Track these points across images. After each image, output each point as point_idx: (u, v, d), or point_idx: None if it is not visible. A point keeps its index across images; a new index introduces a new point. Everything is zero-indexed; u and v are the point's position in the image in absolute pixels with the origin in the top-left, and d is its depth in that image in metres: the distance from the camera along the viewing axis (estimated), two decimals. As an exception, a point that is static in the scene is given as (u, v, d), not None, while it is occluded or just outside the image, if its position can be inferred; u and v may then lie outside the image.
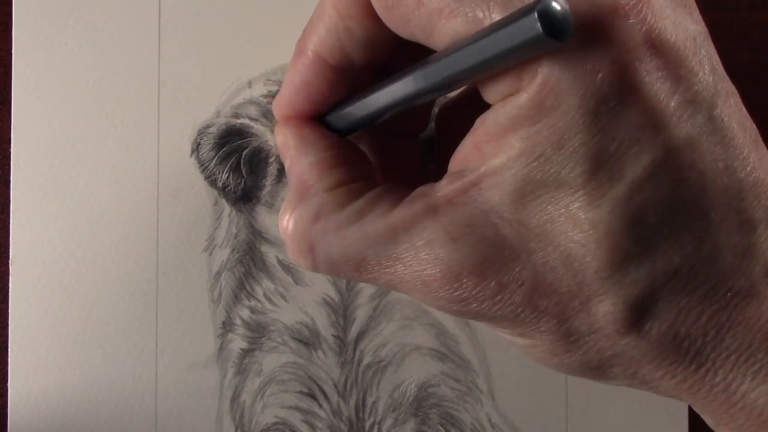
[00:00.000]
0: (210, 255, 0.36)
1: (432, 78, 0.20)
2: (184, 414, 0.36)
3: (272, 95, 0.37)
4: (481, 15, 0.18)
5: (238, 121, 0.36)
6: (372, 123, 0.23)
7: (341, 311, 0.36)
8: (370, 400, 0.36)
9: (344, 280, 0.36)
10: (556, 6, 0.16)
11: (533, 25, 0.16)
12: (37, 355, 0.35)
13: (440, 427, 0.36)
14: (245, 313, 0.36)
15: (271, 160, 0.36)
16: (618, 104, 0.18)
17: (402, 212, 0.21)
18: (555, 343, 0.20)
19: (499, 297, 0.20)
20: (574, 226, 0.19)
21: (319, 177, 0.23)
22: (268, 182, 0.36)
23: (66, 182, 0.36)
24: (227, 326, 0.36)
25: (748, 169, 0.19)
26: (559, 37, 0.16)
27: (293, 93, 0.24)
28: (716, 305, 0.19)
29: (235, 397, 0.36)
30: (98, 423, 0.36)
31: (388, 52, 0.23)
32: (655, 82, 0.18)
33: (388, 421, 0.36)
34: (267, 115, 0.36)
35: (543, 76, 0.18)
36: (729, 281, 0.19)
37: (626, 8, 0.18)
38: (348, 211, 0.22)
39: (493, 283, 0.20)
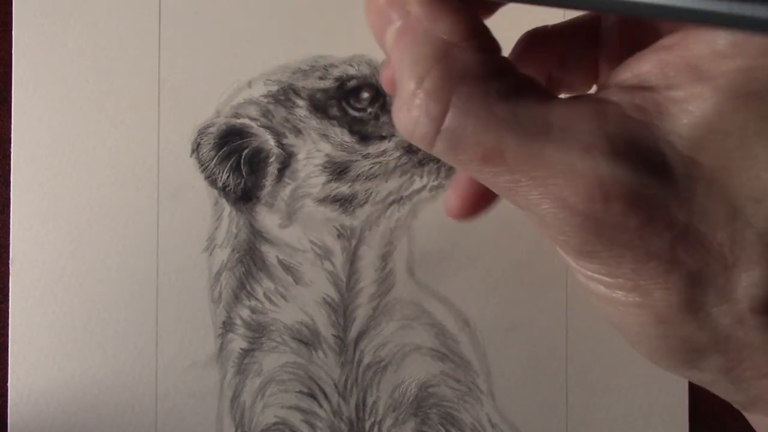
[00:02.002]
0: (210, 255, 0.36)
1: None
2: (184, 414, 0.36)
3: (272, 95, 0.37)
4: None
5: (238, 121, 0.36)
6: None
7: (341, 311, 0.36)
8: (370, 400, 0.36)
9: (345, 280, 0.36)
10: None
11: None
12: (37, 355, 0.35)
13: (440, 427, 0.36)
14: (245, 313, 0.36)
15: (271, 160, 0.36)
16: None
17: (563, 106, 0.18)
18: (671, 307, 0.18)
19: (641, 233, 0.17)
20: (756, 179, 0.17)
21: (464, 33, 0.19)
22: (268, 182, 0.36)
23: (66, 182, 0.36)
24: (227, 326, 0.36)
25: None
26: None
27: None
28: None
29: (235, 397, 0.36)
30: (98, 423, 0.36)
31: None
32: None
33: (388, 421, 0.36)
34: (267, 115, 0.36)
35: None
36: None
37: None
38: (500, 82, 0.18)
39: (641, 216, 0.17)
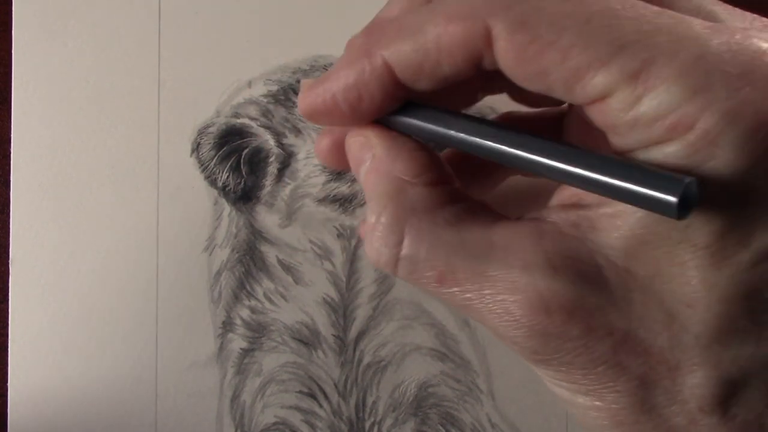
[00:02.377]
0: (210, 255, 0.36)
1: (562, 165, 0.18)
2: (184, 414, 0.36)
3: (272, 95, 0.37)
4: (638, 66, 0.17)
5: (238, 120, 0.36)
6: (451, 145, 0.22)
7: (341, 311, 0.36)
8: (370, 400, 0.36)
9: (344, 280, 0.36)
10: (694, 191, 0.16)
11: (671, 202, 0.16)
12: (37, 355, 0.35)
13: (440, 427, 0.36)
14: (245, 313, 0.36)
15: (271, 160, 0.36)
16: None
17: (504, 229, 0.20)
18: (625, 409, 0.19)
19: (584, 341, 0.18)
20: (686, 285, 0.18)
21: (417, 171, 0.21)
22: (268, 182, 0.36)
23: (66, 182, 0.36)
24: (227, 326, 0.36)
25: None
26: (681, 214, 0.16)
27: (340, 89, 0.21)
28: None
29: (235, 397, 0.36)
30: (98, 423, 0.36)
31: (452, 86, 0.22)
32: None
33: (388, 421, 0.36)
34: (267, 114, 0.36)
35: (702, 130, 0.17)
36: None
37: None
38: (446, 212, 0.21)
39: (581, 325, 0.18)
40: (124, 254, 0.36)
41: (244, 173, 0.36)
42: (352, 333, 0.36)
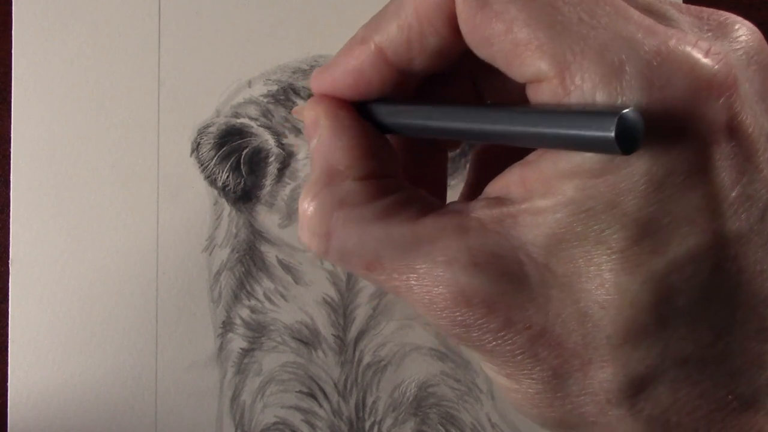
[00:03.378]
0: (210, 255, 0.36)
1: (496, 126, 0.19)
2: (184, 413, 0.36)
3: (272, 95, 0.37)
4: (569, 57, 0.17)
5: (238, 120, 0.36)
6: (413, 134, 0.23)
7: (341, 311, 0.36)
8: (370, 400, 0.36)
9: (344, 280, 0.36)
10: (636, 120, 0.16)
11: (608, 132, 0.16)
12: (37, 355, 0.35)
13: (440, 427, 0.36)
14: (245, 313, 0.36)
15: (271, 159, 0.36)
16: (685, 180, 0.17)
17: (430, 223, 0.21)
18: (540, 394, 0.20)
19: (503, 333, 0.19)
20: (600, 287, 0.18)
21: (350, 163, 0.22)
22: (268, 182, 0.36)
23: (66, 182, 0.36)
24: (227, 326, 0.36)
25: None
26: (625, 149, 0.16)
27: (341, 75, 0.23)
28: (714, 405, 0.19)
29: (235, 397, 0.36)
30: (98, 423, 0.36)
31: (449, 65, 0.22)
32: (724, 168, 0.18)
33: (388, 421, 0.36)
34: (267, 114, 0.36)
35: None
36: (732, 384, 0.19)
37: (717, 90, 0.17)
38: (375, 206, 0.21)
39: (501, 318, 0.19)
40: (124, 254, 0.36)
41: (244, 173, 0.36)
42: (352, 333, 0.36)
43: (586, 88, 0.17)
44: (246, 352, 0.36)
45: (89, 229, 0.36)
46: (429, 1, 0.20)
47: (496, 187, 0.21)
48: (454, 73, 0.24)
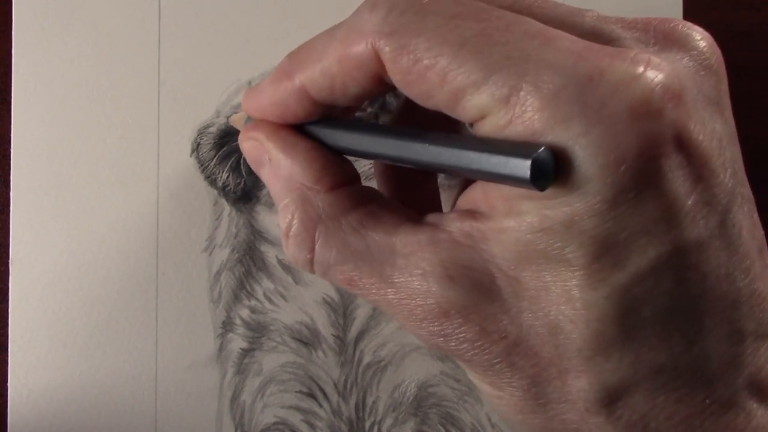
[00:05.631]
0: (210, 255, 0.36)
1: (432, 158, 0.20)
2: (184, 413, 0.36)
3: (272, 95, 0.37)
4: (506, 92, 0.18)
5: (238, 121, 0.36)
6: (349, 154, 0.23)
7: (341, 311, 0.36)
8: (370, 400, 0.36)
9: (344, 280, 0.36)
10: (547, 162, 0.17)
11: (524, 171, 0.17)
12: (37, 355, 0.35)
13: (440, 427, 0.36)
14: (245, 313, 0.36)
15: (271, 160, 0.36)
16: (636, 195, 0.18)
17: (406, 236, 0.21)
18: (522, 401, 0.20)
19: (479, 343, 0.20)
20: (567, 302, 0.19)
21: (315, 177, 0.22)
22: (268, 182, 0.36)
23: (66, 182, 0.36)
24: (227, 326, 0.36)
25: (748, 279, 0.19)
26: (539, 186, 0.17)
27: (268, 104, 0.23)
28: (692, 409, 0.19)
29: (235, 397, 0.36)
30: (98, 423, 0.36)
31: (374, 99, 0.23)
32: (676, 178, 0.18)
33: (388, 421, 0.36)
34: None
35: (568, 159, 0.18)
36: (710, 388, 0.19)
37: (660, 103, 0.18)
38: (352, 218, 0.22)
39: (476, 328, 0.20)
40: (124, 254, 0.36)
41: (243, 173, 0.36)
42: (352, 333, 0.36)
43: (526, 118, 0.18)
44: (246, 352, 0.36)
45: (89, 229, 0.36)
46: (352, 56, 0.20)
47: (464, 200, 0.21)
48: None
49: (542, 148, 0.17)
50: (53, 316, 0.36)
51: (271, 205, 0.36)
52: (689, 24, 0.21)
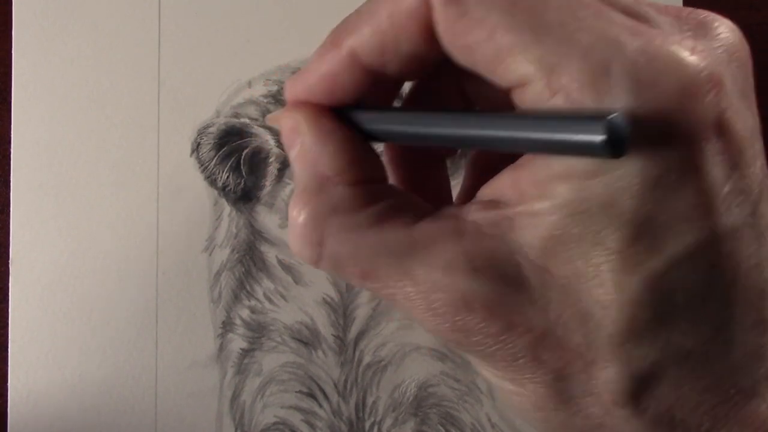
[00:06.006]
0: (210, 255, 0.36)
1: (481, 132, 0.19)
2: (184, 414, 0.36)
3: (272, 95, 0.37)
4: (554, 60, 0.17)
5: (238, 121, 0.36)
6: (395, 140, 0.23)
7: (341, 311, 0.36)
8: (370, 400, 0.36)
9: (345, 280, 0.36)
10: (623, 124, 0.16)
11: (596, 136, 0.16)
12: (37, 355, 0.35)
13: (440, 427, 0.36)
14: (245, 313, 0.36)
15: (271, 160, 0.36)
16: (678, 178, 0.18)
17: (425, 228, 0.20)
18: (544, 398, 0.20)
19: (504, 337, 0.19)
20: (600, 287, 0.18)
21: (340, 169, 0.22)
22: (268, 182, 0.36)
23: (66, 182, 0.36)
24: (227, 326, 0.36)
25: None
26: (614, 153, 0.16)
27: (315, 80, 0.22)
28: (717, 398, 0.19)
29: (235, 397, 0.36)
30: (98, 423, 0.36)
31: (425, 70, 0.22)
32: (716, 164, 0.18)
33: (388, 421, 0.36)
34: (267, 114, 0.36)
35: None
36: (734, 377, 0.19)
37: (705, 88, 0.18)
38: (368, 212, 0.21)
39: (501, 322, 0.19)
40: (124, 254, 0.36)
41: (244, 173, 0.36)
42: (352, 333, 0.36)
43: (571, 89, 0.17)
44: (246, 353, 0.36)
45: (89, 229, 0.36)
46: (403, 8, 0.20)
47: (488, 190, 0.20)
48: (439, 81, 0.23)
49: (616, 113, 0.16)
50: (53, 316, 0.36)
51: (271, 205, 0.36)
52: (719, 16, 0.20)
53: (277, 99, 0.36)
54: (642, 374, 0.19)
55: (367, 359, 0.36)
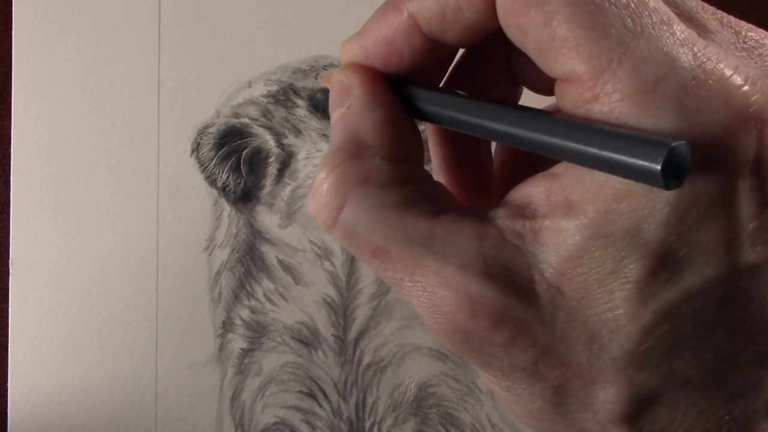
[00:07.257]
0: (210, 255, 0.36)
1: (533, 135, 0.19)
2: (184, 414, 0.36)
3: (272, 95, 0.37)
4: (605, 63, 0.17)
5: (238, 121, 0.36)
6: (444, 124, 0.22)
7: (341, 311, 0.36)
8: (370, 400, 0.36)
9: (344, 280, 0.36)
10: (686, 157, 0.16)
11: (654, 163, 0.15)
12: (37, 355, 0.35)
13: (440, 427, 0.36)
14: (245, 313, 0.36)
15: (271, 160, 0.36)
16: (707, 212, 0.17)
17: (450, 222, 0.20)
18: (540, 410, 0.20)
19: (505, 349, 0.19)
20: (611, 312, 0.18)
21: (381, 141, 0.21)
22: (268, 182, 0.36)
23: (66, 182, 0.36)
24: (227, 326, 0.36)
25: None
26: (668, 184, 0.16)
27: (372, 43, 0.22)
28: (711, 424, 0.19)
29: (235, 397, 0.36)
30: (98, 423, 0.36)
31: (481, 40, 0.22)
32: (746, 201, 0.18)
33: (388, 421, 0.36)
34: (267, 114, 0.36)
35: None
36: (730, 405, 0.19)
37: (750, 124, 0.17)
38: (397, 192, 0.20)
39: (506, 333, 0.19)
40: (124, 254, 0.36)
41: (244, 173, 0.36)
42: (352, 333, 0.36)
43: (615, 99, 0.17)
44: (246, 353, 0.36)
45: (89, 229, 0.36)
46: None
47: (518, 195, 0.20)
48: (490, 52, 0.23)
49: (680, 142, 0.15)
50: (53, 316, 0.36)
51: (271, 205, 0.36)
52: None
53: (277, 99, 0.36)
54: (641, 397, 0.19)
55: (367, 359, 0.36)
